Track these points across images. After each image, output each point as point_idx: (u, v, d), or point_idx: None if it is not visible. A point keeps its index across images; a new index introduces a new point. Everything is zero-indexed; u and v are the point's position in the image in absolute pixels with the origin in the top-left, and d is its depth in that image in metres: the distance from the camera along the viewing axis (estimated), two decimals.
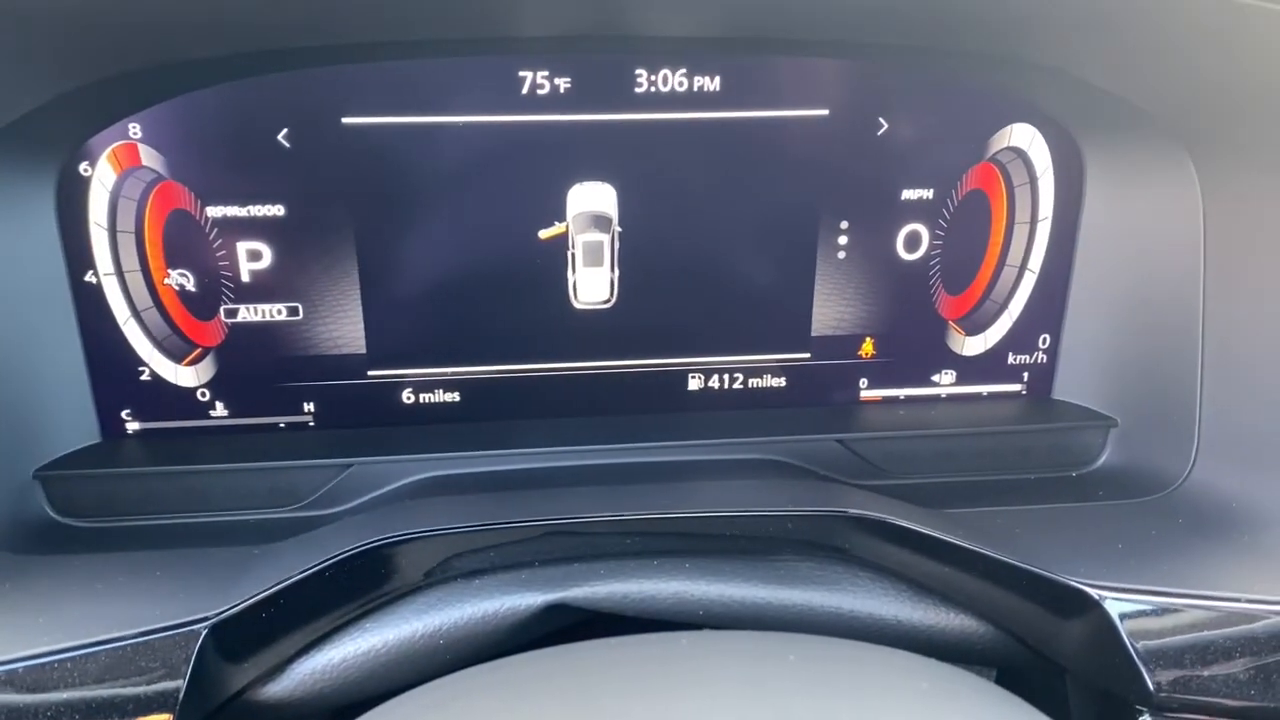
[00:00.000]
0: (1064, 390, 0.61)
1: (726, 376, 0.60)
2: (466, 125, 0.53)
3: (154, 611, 0.44)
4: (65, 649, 0.42)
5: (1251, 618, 0.43)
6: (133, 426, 0.57)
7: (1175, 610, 0.44)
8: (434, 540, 0.47)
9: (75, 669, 0.42)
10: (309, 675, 0.45)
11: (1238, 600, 0.44)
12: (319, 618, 0.45)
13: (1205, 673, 0.43)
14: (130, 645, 0.43)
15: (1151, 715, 0.43)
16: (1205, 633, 0.43)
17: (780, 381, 0.60)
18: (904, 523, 0.47)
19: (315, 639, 0.44)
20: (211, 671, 0.43)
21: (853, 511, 0.48)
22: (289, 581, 0.45)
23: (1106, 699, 0.45)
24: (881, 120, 0.55)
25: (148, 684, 0.43)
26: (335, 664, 0.45)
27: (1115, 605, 0.43)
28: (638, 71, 0.53)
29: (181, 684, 0.42)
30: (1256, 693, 0.42)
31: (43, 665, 0.42)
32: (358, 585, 0.45)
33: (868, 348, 0.60)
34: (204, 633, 0.43)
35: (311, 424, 0.58)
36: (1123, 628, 0.43)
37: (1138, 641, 0.43)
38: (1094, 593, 0.44)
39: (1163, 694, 0.42)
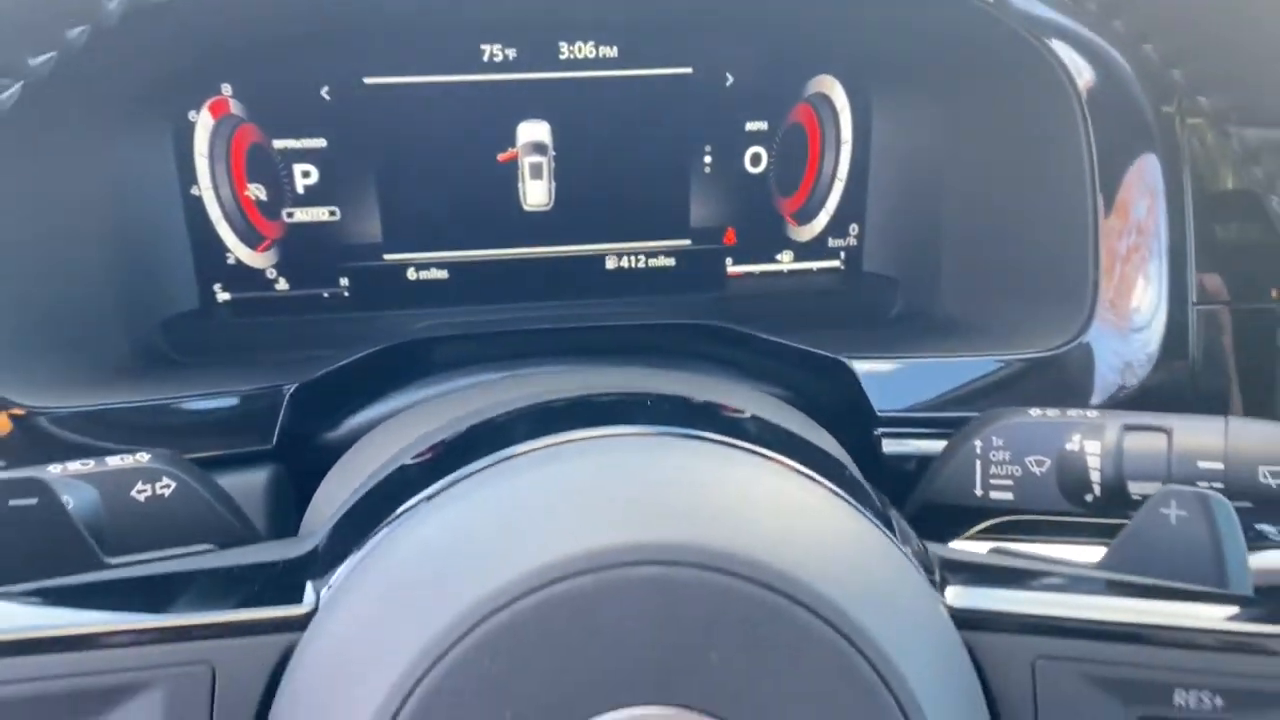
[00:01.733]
0: (870, 265, 0.87)
1: (631, 257, 0.85)
2: (447, 83, 0.78)
3: (249, 386, 0.69)
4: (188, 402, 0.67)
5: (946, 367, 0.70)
6: (222, 297, 0.82)
7: (897, 363, 0.70)
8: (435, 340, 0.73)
9: (192, 419, 0.67)
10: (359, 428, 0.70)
11: (937, 357, 0.70)
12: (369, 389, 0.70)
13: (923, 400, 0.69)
14: (229, 404, 0.68)
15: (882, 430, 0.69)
16: (916, 375, 0.69)
17: (670, 261, 0.86)
18: (740, 329, 0.72)
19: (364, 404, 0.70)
20: (293, 428, 0.68)
21: (705, 321, 0.73)
22: (341, 364, 0.70)
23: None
24: (729, 75, 0.82)
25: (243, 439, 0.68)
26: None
27: (859, 364, 0.69)
28: (561, 44, 0.79)
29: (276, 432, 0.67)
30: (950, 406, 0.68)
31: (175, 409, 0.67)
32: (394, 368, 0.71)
33: (730, 235, 0.86)
34: (287, 394, 0.68)
35: (346, 295, 0.84)
36: (861, 376, 0.69)
37: (871, 385, 0.69)
38: (846, 359, 0.70)
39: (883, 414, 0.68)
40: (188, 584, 0.39)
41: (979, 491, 0.57)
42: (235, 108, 0.77)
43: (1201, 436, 0.53)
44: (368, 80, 0.77)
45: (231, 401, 0.68)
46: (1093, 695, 0.38)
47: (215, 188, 0.79)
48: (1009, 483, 0.56)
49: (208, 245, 0.80)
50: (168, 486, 0.53)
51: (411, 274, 0.84)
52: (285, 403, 0.67)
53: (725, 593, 0.33)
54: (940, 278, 0.80)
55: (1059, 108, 0.69)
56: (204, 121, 0.77)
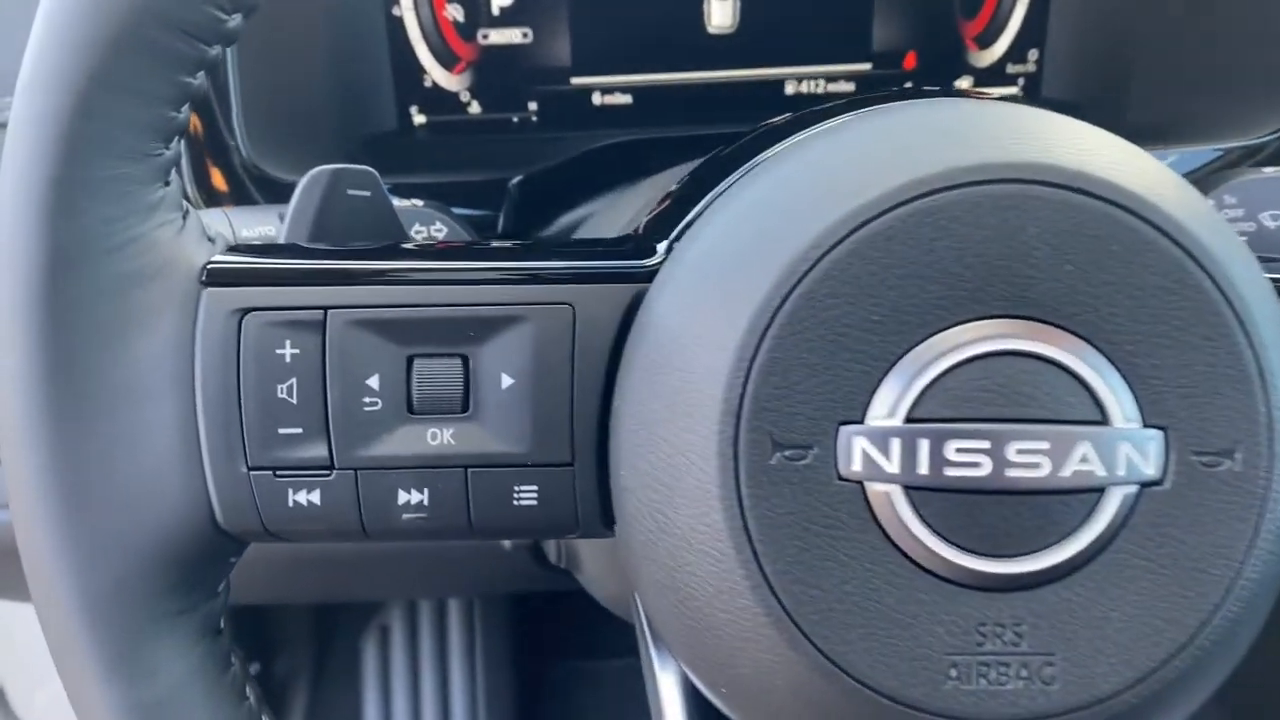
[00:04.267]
0: (1050, 91, 0.88)
1: (811, 82, 0.87)
2: None
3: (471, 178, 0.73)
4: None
5: None
6: (418, 119, 0.86)
7: None
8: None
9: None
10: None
11: None
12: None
13: None
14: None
15: None
16: None
17: (849, 86, 0.87)
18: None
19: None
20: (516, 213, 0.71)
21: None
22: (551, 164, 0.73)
23: None
24: None
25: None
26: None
27: None
28: None
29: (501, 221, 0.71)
30: None
31: None
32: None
33: (910, 59, 0.87)
34: (512, 187, 0.72)
35: (534, 119, 0.86)
36: None
37: None
38: None
39: None
40: (549, 247, 0.42)
41: None
42: None
43: None
44: None
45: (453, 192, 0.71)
46: None
47: (415, 7, 0.81)
48: (1243, 239, 0.57)
49: (406, 66, 0.83)
50: (440, 230, 0.56)
51: (597, 98, 0.86)
52: (508, 194, 0.70)
53: (1079, 210, 0.35)
54: (1128, 96, 0.81)
55: None
56: None
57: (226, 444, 0.38)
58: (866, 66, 0.86)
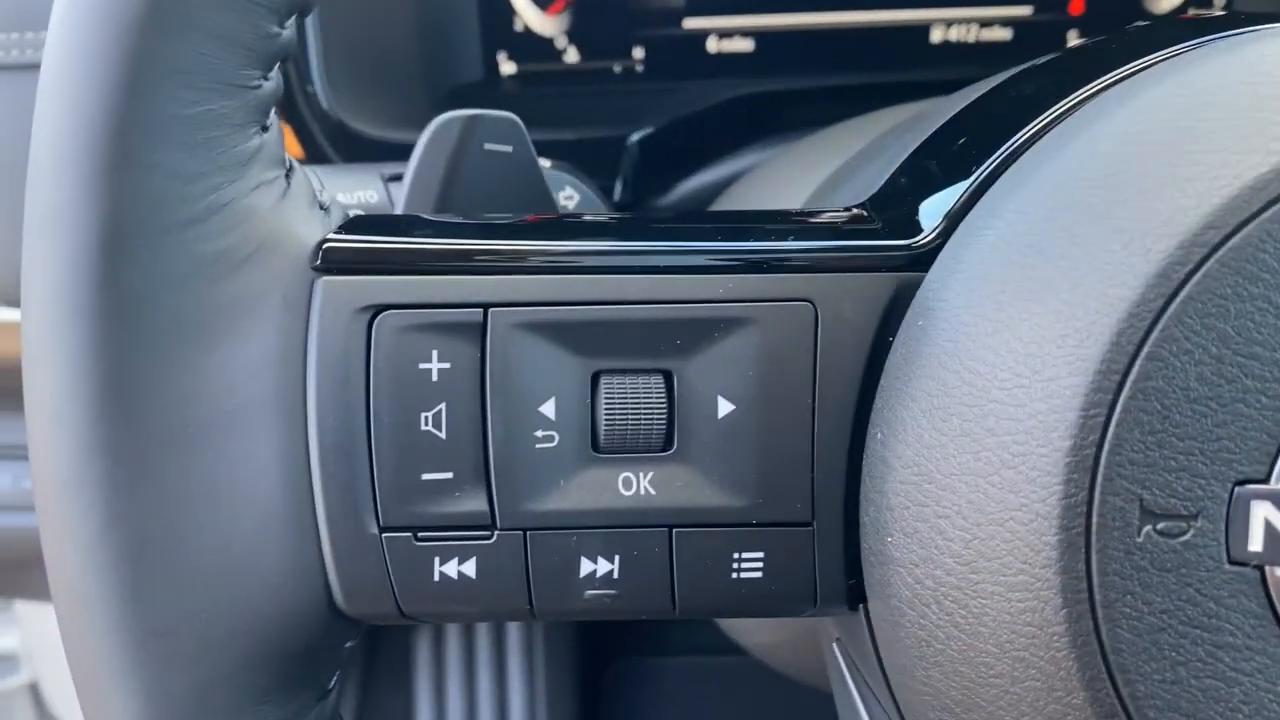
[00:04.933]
0: None
1: (962, 27, 0.75)
2: None
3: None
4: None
5: None
6: (506, 68, 0.75)
7: None
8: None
9: None
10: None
11: None
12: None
13: None
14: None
15: None
16: None
17: (1005, 34, 0.75)
18: None
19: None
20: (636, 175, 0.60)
21: None
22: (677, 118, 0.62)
23: None
24: None
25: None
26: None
27: None
28: None
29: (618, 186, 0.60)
30: None
31: None
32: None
33: (1077, 3, 0.75)
34: (632, 145, 0.61)
35: (640, 68, 0.75)
36: None
37: None
38: None
39: None
40: (775, 223, 0.31)
41: None
42: None
43: None
44: None
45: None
46: None
47: None
48: None
49: (494, 6, 0.72)
50: (571, 198, 0.46)
51: (712, 44, 0.75)
52: (626, 153, 0.59)
53: None
54: None
55: None
56: None
57: (351, 495, 0.27)
58: (1027, 11, 0.74)
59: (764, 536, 0.28)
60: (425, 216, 0.31)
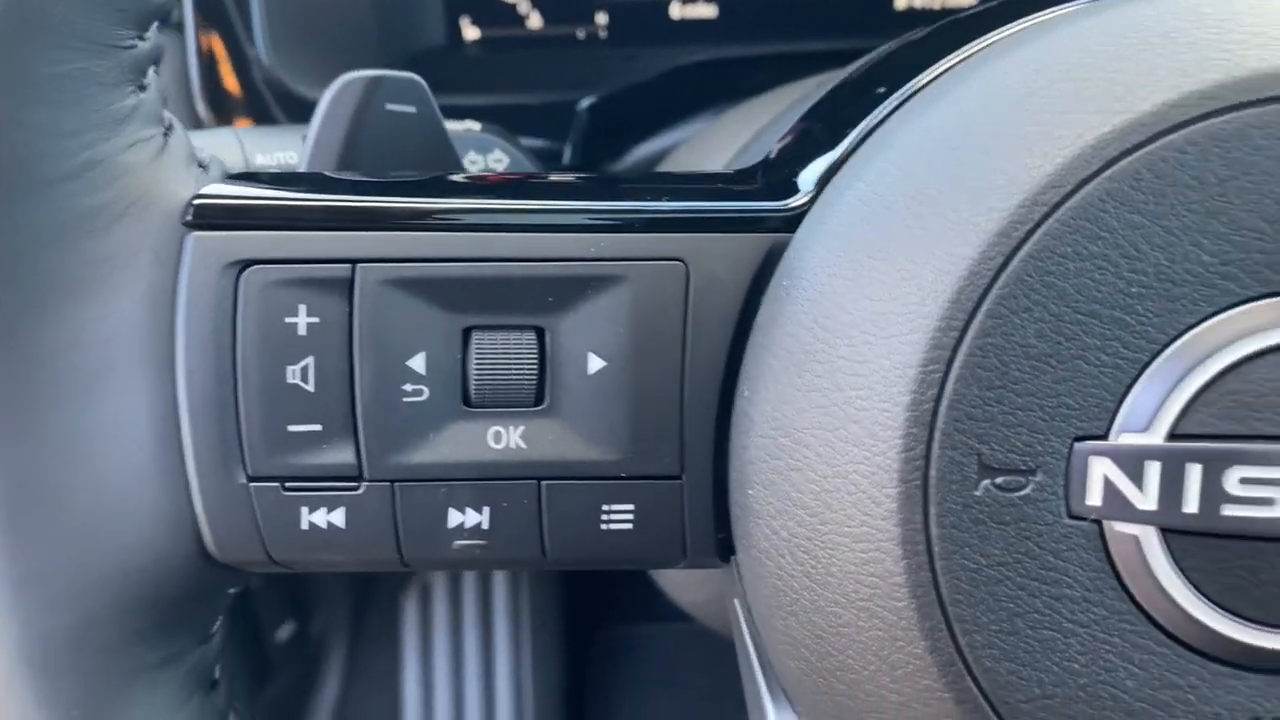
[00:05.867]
0: None
1: None
2: None
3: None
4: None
5: None
6: (470, 33, 0.75)
7: None
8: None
9: None
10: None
11: None
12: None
13: None
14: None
15: None
16: None
17: None
18: None
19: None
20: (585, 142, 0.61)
21: None
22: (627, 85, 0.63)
23: None
24: None
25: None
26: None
27: None
28: None
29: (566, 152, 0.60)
30: None
31: None
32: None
33: None
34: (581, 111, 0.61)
35: (603, 34, 0.75)
36: None
37: None
38: None
39: None
40: (651, 182, 0.31)
41: None
42: None
43: None
44: None
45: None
46: None
47: None
48: None
49: None
50: (501, 161, 0.46)
51: (675, 10, 0.74)
52: (575, 119, 0.60)
53: None
54: None
55: None
56: None
57: (219, 446, 0.28)
58: None
59: (633, 490, 0.29)
60: (300, 173, 0.32)
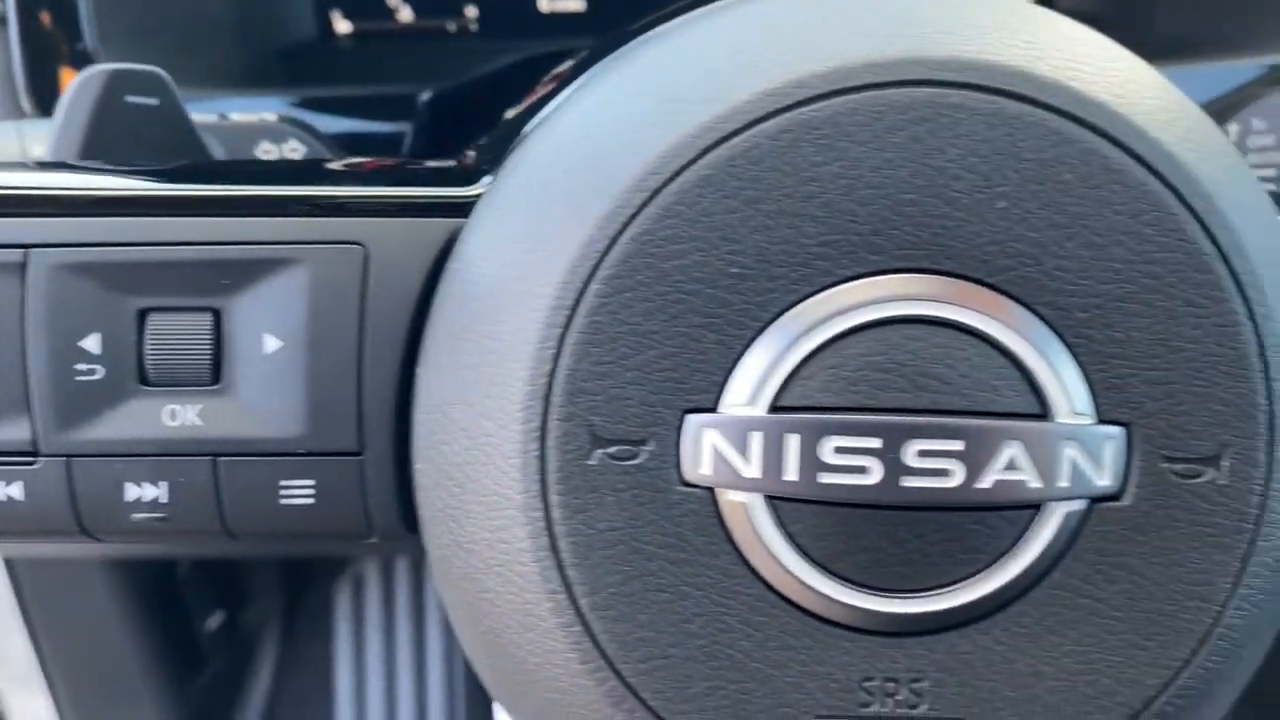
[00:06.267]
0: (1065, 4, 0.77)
1: None
2: None
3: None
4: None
5: None
6: (341, 26, 0.76)
7: None
8: None
9: None
10: None
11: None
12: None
13: None
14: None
15: None
16: None
17: None
18: None
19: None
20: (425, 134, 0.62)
21: None
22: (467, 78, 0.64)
23: None
24: None
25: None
26: None
27: None
28: None
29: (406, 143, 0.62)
30: None
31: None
32: None
33: None
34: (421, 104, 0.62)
35: (474, 27, 0.76)
36: None
37: None
38: None
39: None
40: (340, 171, 0.32)
41: None
42: None
43: None
44: None
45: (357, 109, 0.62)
46: None
47: None
48: (1271, 172, 0.47)
49: None
50: (296, 150, 0.47)
51: (545, 3, 0.76)
52: (415, 113, 0.61)
53: (1019, 124, 0.25)
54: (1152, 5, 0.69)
55: None
56: None
57: None
58: None
59: (313, 466, 0.30)
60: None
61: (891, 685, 0.27)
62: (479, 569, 0.28)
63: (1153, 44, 0.68)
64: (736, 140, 0.26)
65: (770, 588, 0.27)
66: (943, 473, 0.26)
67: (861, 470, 0.26)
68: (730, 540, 0.26)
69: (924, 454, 0.26)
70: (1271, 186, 0.47)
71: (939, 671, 0.27)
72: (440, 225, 0.31)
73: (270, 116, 0.47)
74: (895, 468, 0.26)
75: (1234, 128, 0.48)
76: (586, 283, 0.26)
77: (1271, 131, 0.47)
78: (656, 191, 0.26)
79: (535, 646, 0.27)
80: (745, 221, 0.26)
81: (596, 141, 0.27)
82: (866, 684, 0.27)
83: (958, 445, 0.26)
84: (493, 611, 0.28)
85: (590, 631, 0.27)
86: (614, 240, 0.26)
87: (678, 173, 0.26)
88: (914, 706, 0.27)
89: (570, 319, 0.26)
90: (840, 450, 0.26)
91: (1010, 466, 0.26)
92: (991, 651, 0.27)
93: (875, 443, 0.26)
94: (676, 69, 0.27)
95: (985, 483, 0.26)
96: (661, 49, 0.29)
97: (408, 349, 0.30)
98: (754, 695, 0.27)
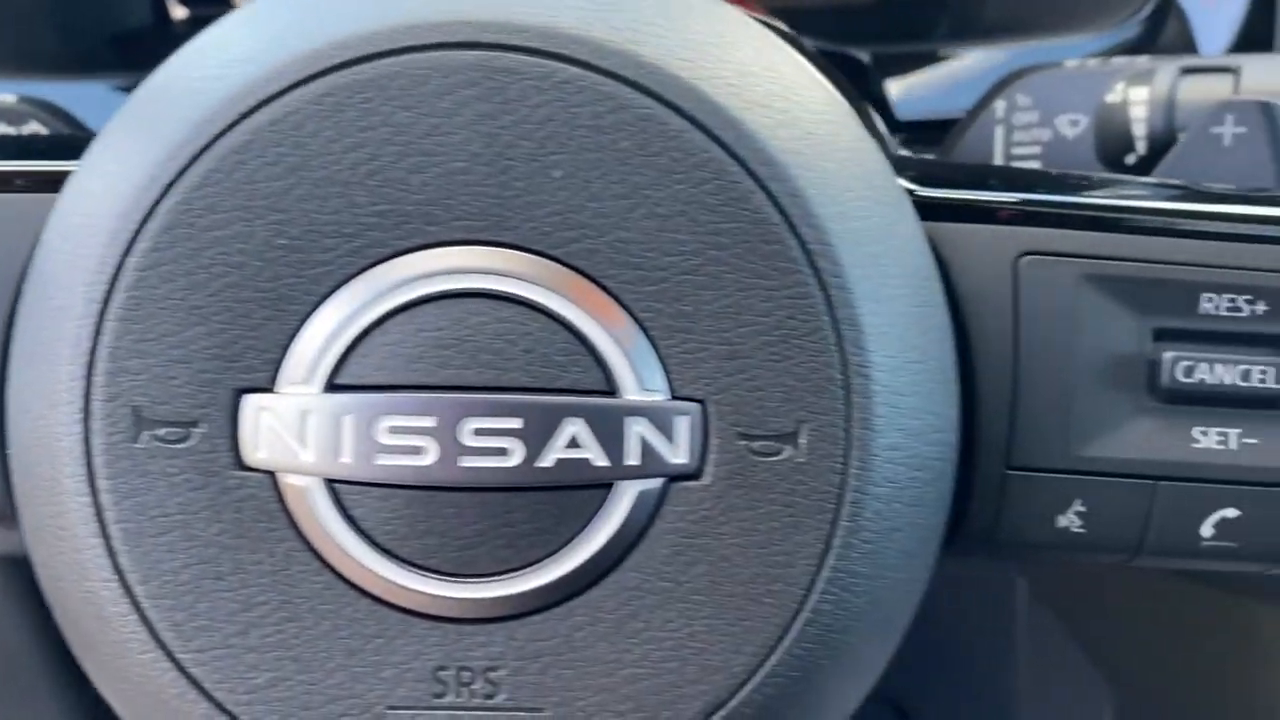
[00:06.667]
0: None
1: None
2: None
3: None
4: None
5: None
6: (178, 13, 0.75)
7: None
8: None
9: None
10: None
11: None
12: None
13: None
14: None
15: None
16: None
17: None
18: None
19: None
20: None
21: None
22: None
23: None
24: None
25: None
26: None
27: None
28: None
29: None
30: None
31: None
32: None
33: None
34: None
35: None
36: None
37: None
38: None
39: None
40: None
41: (999, 162, 0.47)
42: None
43: (1276, 76, 0.42)
44: None
45: None
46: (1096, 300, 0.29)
47: None
48: (1035, 149, 0.46)
49: None
50: (40, 131, 0.46)
51: None
52: None
53: (572, 88, 0.24)
54: None
55: None
56: None
57: None
58: None
59: None
60: None
61: (467, 674, 0.26)
62: (50, 556, 0.27)
63: (986, 24, 0.68)
64: (276, 104, 0.24)
65: (337, 574, 0.26)
66: (501, 451, 0.25)
67: (417, 451, 0.25)
68: (294, 525, 0.25)
69: (481, 432, 0.25)
70: (1035, 163, 0.46)
71: (517, 659, 0.26)
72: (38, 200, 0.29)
73: (9, 99, 0.46)
74: (452, 447, 0.25)
75: (1001, 104, 0.47)
76: (124, 256, 0.25)
77: (1036, 108, 0.46)
78: (194, 159, 0.25)
79: (103, 637, 0.26)
80: (290, 190, 0.25)
81: (153, 107, 0.26)
82: (441, 673, 0.26)
83: (515, 423, 0.25)
84: (66, 601, 0.27)
85: (147, 621, 0.25)
86: (150, 211, 0.25)
87: (215, 139, 0.25)
88: (490, 696, 0.26)
89: (109, 294, 0.25)
90: (395, 430, 0.25)
91: (573, 444, 0.25)
92: (571, 639, 0.26)
93: (430, 422, 0.25)
94: (227, 29, 0.26)
95: (547, 461, 0.25)
96: (240, 13, 0.28)
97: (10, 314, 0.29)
98: (322, 686, 0.26)
